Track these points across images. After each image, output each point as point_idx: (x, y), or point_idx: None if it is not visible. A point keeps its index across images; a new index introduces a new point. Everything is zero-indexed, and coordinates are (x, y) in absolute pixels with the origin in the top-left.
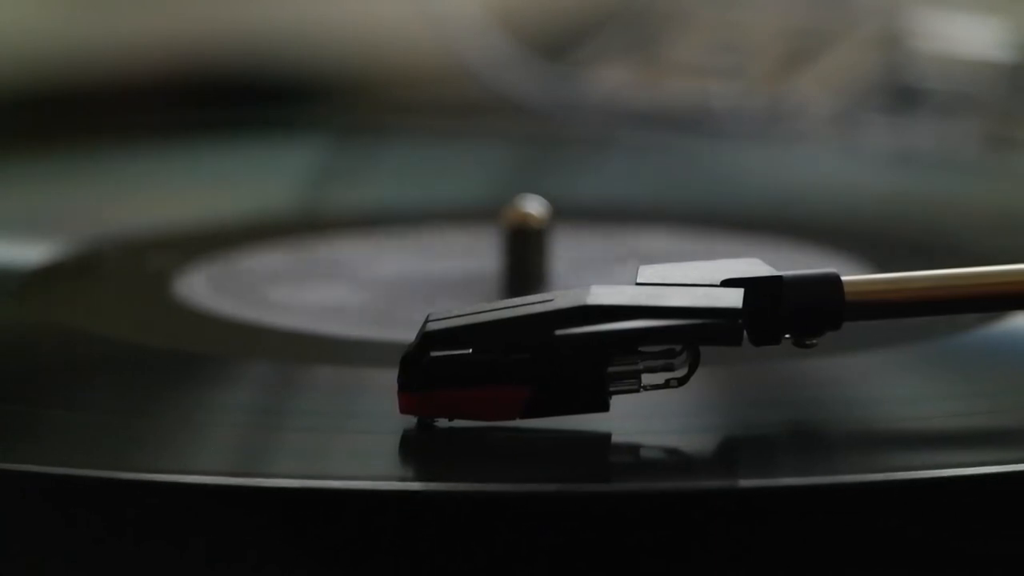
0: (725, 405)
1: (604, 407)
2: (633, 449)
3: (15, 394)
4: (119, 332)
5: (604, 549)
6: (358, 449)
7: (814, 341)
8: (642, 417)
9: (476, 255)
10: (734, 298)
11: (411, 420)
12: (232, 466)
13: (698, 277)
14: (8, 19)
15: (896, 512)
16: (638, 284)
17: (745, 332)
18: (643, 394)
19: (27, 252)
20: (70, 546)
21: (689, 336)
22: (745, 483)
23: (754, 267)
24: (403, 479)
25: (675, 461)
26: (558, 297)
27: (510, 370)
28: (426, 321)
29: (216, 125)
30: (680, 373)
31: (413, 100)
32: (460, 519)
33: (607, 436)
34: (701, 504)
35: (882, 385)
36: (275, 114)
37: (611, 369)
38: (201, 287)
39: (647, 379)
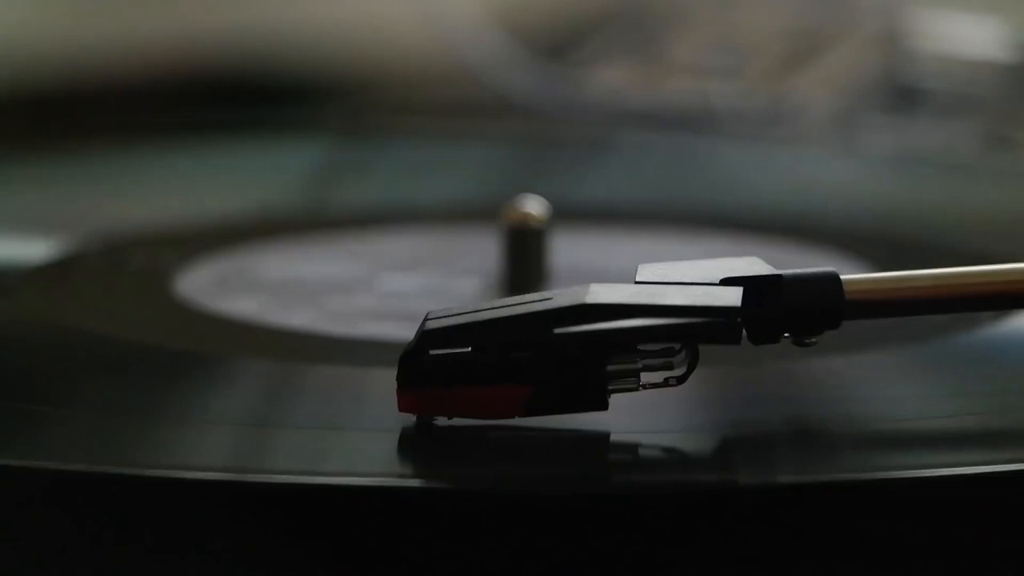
0: (724, 404)
1: (603, 406)
2: (632, 448)
3: (15, 393)
4: (119, 331)
5: (603, 547)
6: (358, 448)
7: (813, 340)
8: (641, 416)
9: (476, 255)
10: (733, 297)
11: (410, 419)
12: (232, 464)
13: (697, 276)
14: (8, 19)
15: (895, 511)
16: (637, 283)
17: (744, 331)
18: (642, 393)
19: (27, 252)
20: (69, 544)
21: (688, 335)
22: (744, 481)
23: (753, 266)
24: (403, 478)
25: (674, 459)
26: (557, 296)
27: (509, 369)
28: (425, 320)
29: (216, 125)
30: (679, 372)
31: (413, 100)
32: (459, 518)
33: (606, 435)
34: (700, 502)
35: (882, 385)
36: (275, 114)
37: (610, 368)
38: (201, 286)
39: (646, 378)
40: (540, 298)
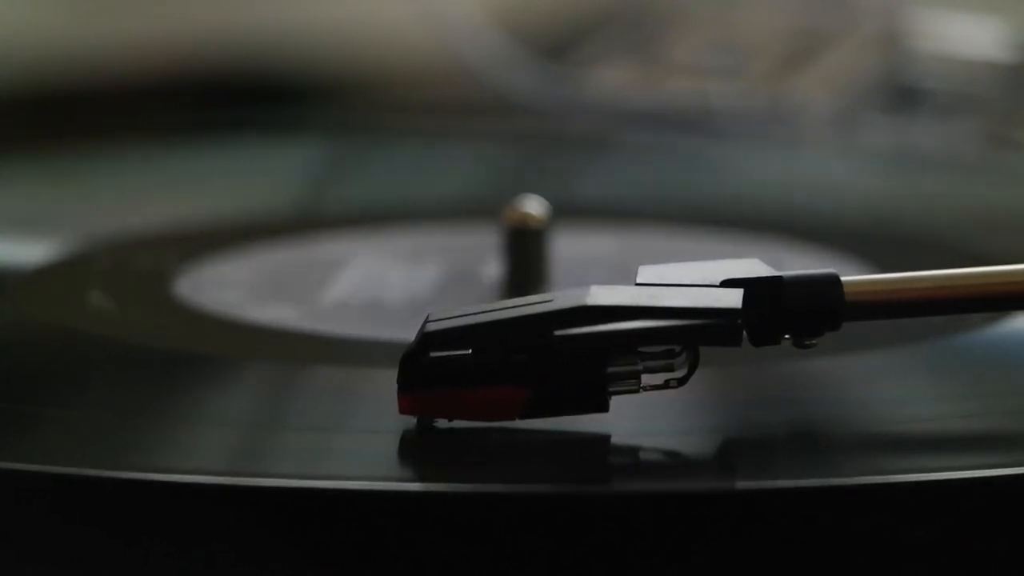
0: (725, 406)
1: (604, 407)
2: (632, 450)
3: (15, 394)
4: (118, 332)
5: (603, 550)
6: (358, 449)
7: (813, 341)
8: (641, 418)
9: (476, 255)
10: (734, 298)
11: (411, 420)
12: (232, 466)
13: (698, 277)
14: (9, 19)
15: (895, 514)
16: (638, 284)
17: (745, 332)
18: (643, 395)
19: (27, 252)
20: (69, 546)
21: (689, 336)
22: (744, 484)
23: (754, 267)
24: (403, 479)
25: (674, 462)
26: (557, 297)
27: (509, 370)
28: (426, 321)
29: (216, 125)
30: (680, 373)
31: (413, 100)
32: (460, 519)
33: (606, 437)
34: (700, 505)
35: (882, 385)
36: (275, 114)
37: (611, 369)
38: (201, 287)
39: (647, 379)
40: (540, 300)
